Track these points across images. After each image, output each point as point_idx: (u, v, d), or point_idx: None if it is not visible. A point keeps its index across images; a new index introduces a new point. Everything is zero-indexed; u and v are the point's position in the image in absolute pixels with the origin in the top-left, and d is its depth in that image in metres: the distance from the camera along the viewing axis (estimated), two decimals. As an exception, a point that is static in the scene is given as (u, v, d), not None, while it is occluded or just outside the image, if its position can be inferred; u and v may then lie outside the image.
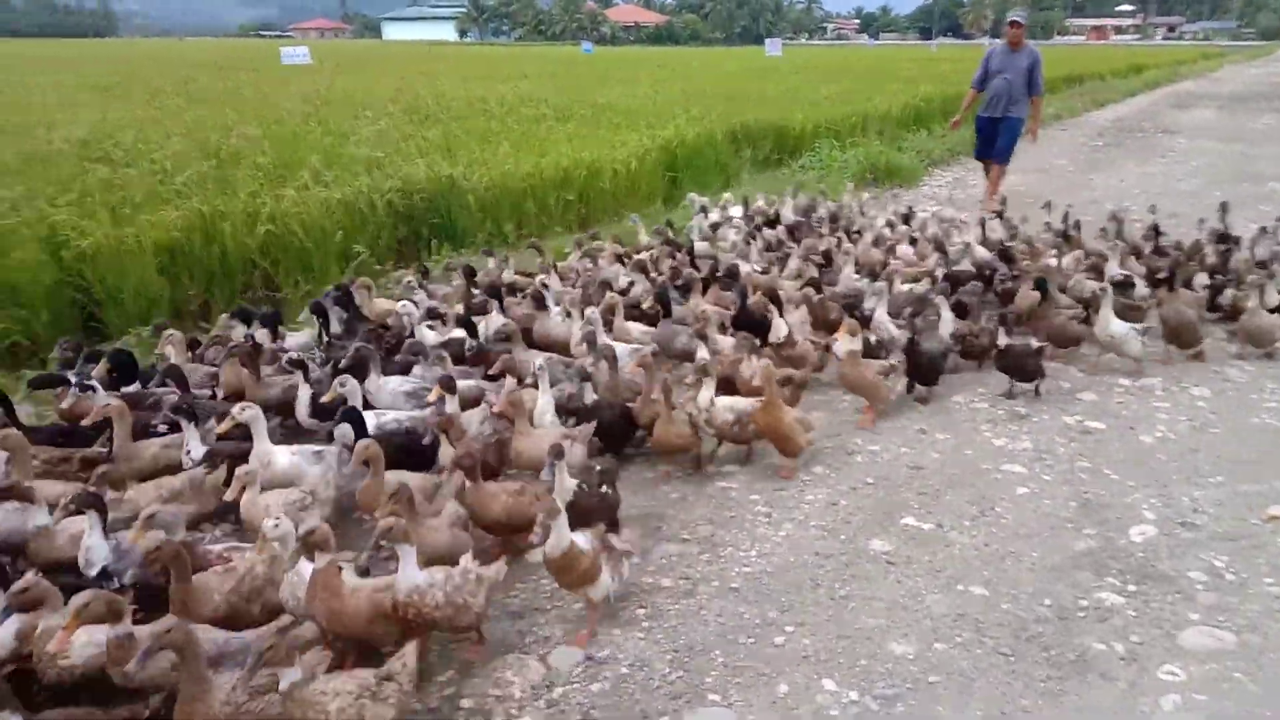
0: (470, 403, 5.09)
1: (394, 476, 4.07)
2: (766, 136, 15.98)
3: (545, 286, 6.76)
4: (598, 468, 4.24)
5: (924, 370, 5.88)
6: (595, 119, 16.08)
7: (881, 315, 6.37)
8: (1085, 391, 6.18)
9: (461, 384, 5.12)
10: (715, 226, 9.60)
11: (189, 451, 4.36)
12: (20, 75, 25.48)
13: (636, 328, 6.48)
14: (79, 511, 3.58)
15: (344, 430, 4.43)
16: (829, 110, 18.43)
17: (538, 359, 5.18)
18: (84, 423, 4.53)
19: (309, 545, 3.19)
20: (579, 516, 3.80)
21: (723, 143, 14.90)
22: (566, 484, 3.99)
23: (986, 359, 6.42)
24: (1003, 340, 5.95)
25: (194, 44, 71.64)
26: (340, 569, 3.25)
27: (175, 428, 4.69)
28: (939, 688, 3.39)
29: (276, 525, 3.45)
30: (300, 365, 5.12)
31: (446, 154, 11.93)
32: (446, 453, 4.44)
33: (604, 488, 4.13)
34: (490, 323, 6.41)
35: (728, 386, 5.42)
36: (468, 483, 3.96)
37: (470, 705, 3.29)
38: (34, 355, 6.89)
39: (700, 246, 8.80)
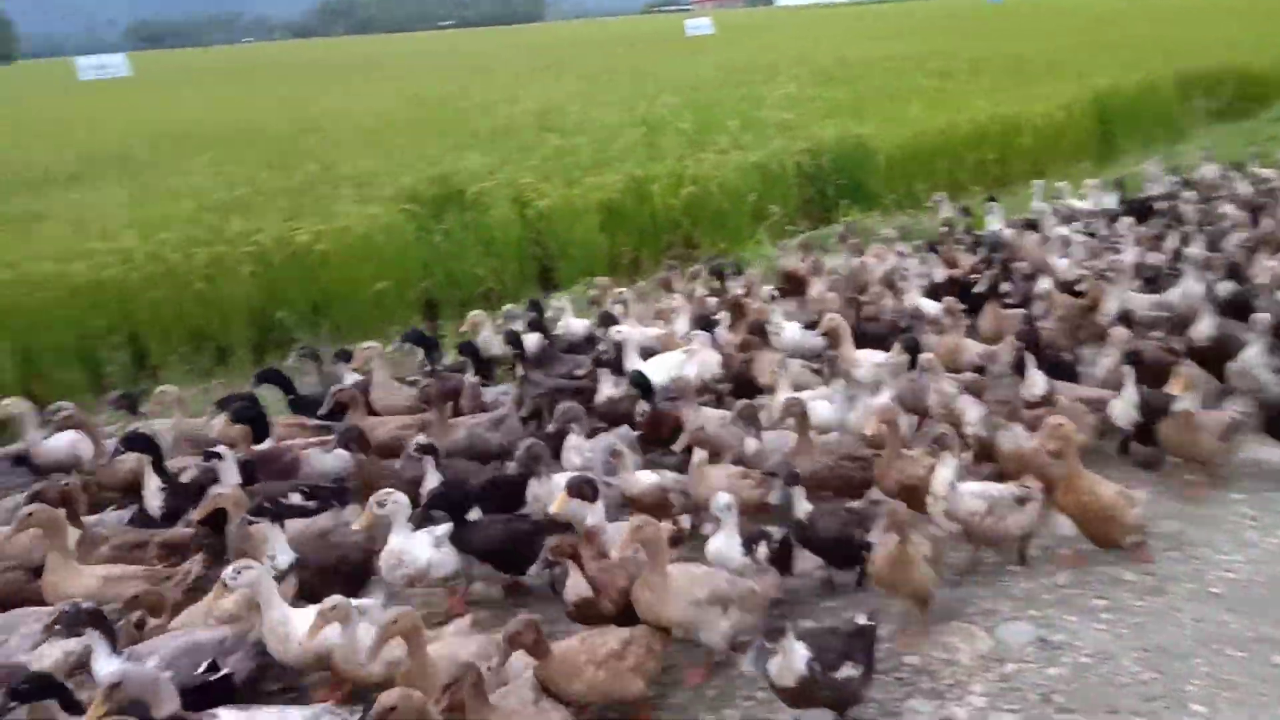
0: (654, 502, 3.87)
1: (442, 649, 3.01)
2: (1225, 83, 13.71)
3: (773, 302, 5.48)
4: (857, 621, 3.02)
5: None
6: (1013, 71, 14.94)
7: (1256, 354, 4.59)
8: None
9: (644, 481, 3.94)
10: (1031, 223, 7.49)
11: (273, 557, 3.58)
12: (479, 59, 29.70)
13: (870, 357, 4.98)
14: (71, 633, 2.97)
15: (440, 534, 3.67)
16: (1313, 46, 15.34)
17: (721, 471, 3.72)
18: (194, 517, 3.84)
19: None
20: (804, 702, 2.90)
21: (1168, 91, 13.07)
22: (795, 668, 2.80)
23: None
24: None
25: (610, 22, 78.18)
26: None
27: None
28: None
29: None
30: (429, 450, 4.10)
31: (854, 114, 11.82)
32: (576, 586, 3.22)
33: (847, 666, 2.88)
34: (703, 364, 5.07)
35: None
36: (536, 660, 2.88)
37: (915, 663, 3.28)
38: (502, 300, 8.05)
39: (1008, 234, 7.03)
